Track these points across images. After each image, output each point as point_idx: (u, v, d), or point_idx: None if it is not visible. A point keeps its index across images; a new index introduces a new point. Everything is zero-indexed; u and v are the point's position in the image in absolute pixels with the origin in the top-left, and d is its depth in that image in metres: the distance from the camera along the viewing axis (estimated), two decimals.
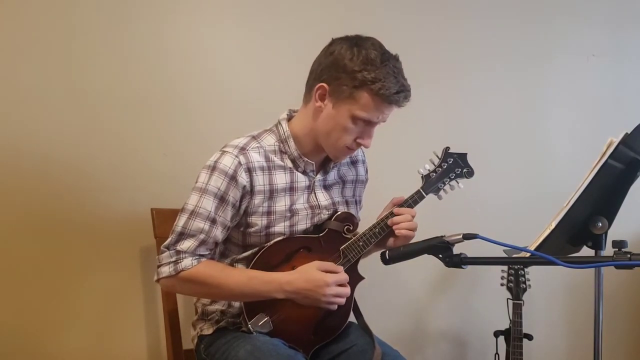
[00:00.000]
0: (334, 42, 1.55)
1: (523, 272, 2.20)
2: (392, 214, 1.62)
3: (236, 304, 1.60)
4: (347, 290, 1.54)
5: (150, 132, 2.00)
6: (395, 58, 1.52)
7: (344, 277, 1.54)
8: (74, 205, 1.92)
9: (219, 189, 1.52)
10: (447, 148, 1.68)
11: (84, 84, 1.93)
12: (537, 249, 1.35)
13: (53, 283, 1.91)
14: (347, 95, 1.49)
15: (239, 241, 1.62)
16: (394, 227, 1.60)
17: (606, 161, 1.36)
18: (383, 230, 1.62)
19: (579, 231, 1.45)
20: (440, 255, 1.31)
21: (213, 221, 1.53)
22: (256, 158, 1.55)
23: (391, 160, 2.24)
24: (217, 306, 1.63)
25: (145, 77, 2.00)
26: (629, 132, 1.37)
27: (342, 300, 1.54)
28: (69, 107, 1.92)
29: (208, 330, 1.63)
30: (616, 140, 1.37)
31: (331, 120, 1.53)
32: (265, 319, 1.56)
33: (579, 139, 2.58)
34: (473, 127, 2.46)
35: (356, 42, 1.51)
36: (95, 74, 1.94)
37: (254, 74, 2.14)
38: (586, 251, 1.50)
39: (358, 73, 1.47)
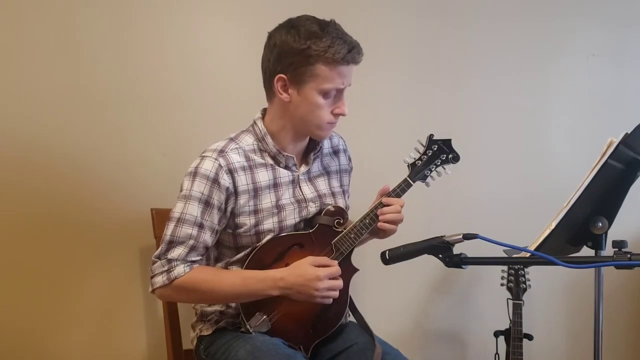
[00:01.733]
0: (271, 35, 1.56)
1: (523, 272, 2.20)
2: (381, 204, 1.62)
3: (234, 304, 1.60)
4: (339, 283, 1.54)
5: (150, 132, 2.00)
6: (332, 22, 1.53)
7: (335, 269, 1.54)
8: (73, 205, 1.93)
9: (202, 194, 1.52)
10: (431, 135, 1.68)
11: (84, 83, 1.93)
12: (537, 249, 1.36)
13: (53, 283, 1.92)
14: (307, 75, 1.50)
15: (231, 243, 1.62)
16: (379, 218, 1.61)
17: (606, 161, 1.36)
18: (373, 220, 1.61)
19: (579, 231, 1.46)
20: (440, 255, 1.31)
21: (200, 226, 1.53)
22: (236, 159, 1.56)
23: (387, 154, 2.24)
24: (216, 307, 1.63)
25: (145, 77, 2.00)
26: (629, 132, 1.37)
27: (336, 294, 1.54)
28: (68, 107, 1.92)
29: (207, 331, 1.63)
30: (616, 140, 1.37)
31: (302, 104, 1.54)
32: (263, 318, 1.56)
33: (579, 139, 2.58)
34: (473, 127, 2.45)
35: (291, 25, 1.52)
36: (95, 74, 1.94)
37: (253, 74, 2.12)
38: (586, 251, 1.50)
39: (307, 50, 1.48)
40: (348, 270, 1.62)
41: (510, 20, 2.49)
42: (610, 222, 1.43)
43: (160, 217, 1.86)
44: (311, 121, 1.56)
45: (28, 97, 1.88)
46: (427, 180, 1.68)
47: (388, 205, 1.61)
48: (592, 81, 2.62)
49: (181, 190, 1.55)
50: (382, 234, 1.65)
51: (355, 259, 1.66)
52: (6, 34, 1.86)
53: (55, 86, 1.90)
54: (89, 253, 1.94)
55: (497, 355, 2.25)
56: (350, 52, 1.50)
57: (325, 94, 1.52)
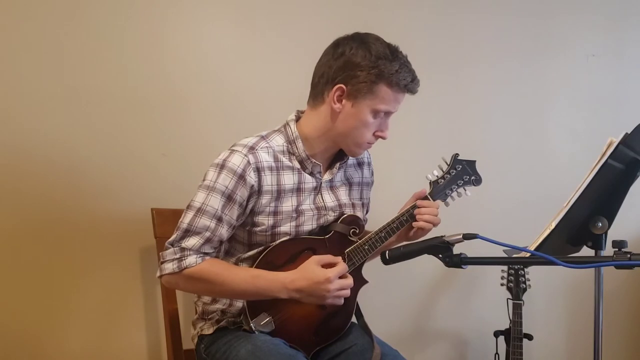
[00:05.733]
0: (339, 43, 1.56)
1: (523, 272, 2.20)
2: (408, 212, 1.62)
3: (238, 303, 1.59)
4: (349, 281, 1.53)
5: (150, 132, 2.00)
6: (399, 49, 1.56)
7: (343, 267, 1.53)
8: (74, 205, 1.93)
9: (227, 188, 1.52)
10: (456, 155, 1.68)
11: (83, 84, 1.93)
12: (537, 249, 1.36)
13: (53, 283, 1.92)
14: (366, 92, 1.52)
15: (244, 240, 1.61)
16: (416, 216, 1.61)
17: (606, 161, 1.36)
18: (389, 234, 1.62)
19: (579, 231, 1.46)
20: (440, 255, 1.31)
21: (219, 219, 1.53)
22: (265, 158, 1.55)
23: (394, 162, 2.24)
24: (218, 305, 1.63)
25: (145, 77, 2.00)
26: (629, 132, 1.37)
27: (347, 293, 1.53)
28: (68, 107, 1.92)
29: (208, 330, 1.63)
30: (616, 140, 1.37)
31: (352, 118, 1.55)
32: (268, 318, 1.55)
33: (579, 139, 2.58)
34: (473, 127, 2.45)
35: (362, 40, 1.53)
36: (95, 74, 1.94)
37: (253, 74, 2.14)
38: (586, 251, 1.50)
39: (374, 69, 1.50)
40: (357, 282, 1.62)
41: (510, 20, 2.49)
42: (610, 222, 1.43)
43: (160, 217, 1.86)
44: (353, 137, 1.57)
45: (27, 98, 1.88)
46: (447, 200, 1.68)
47: (422, 207, 1.61)
48: (592, 81, 2.62)
49: (204, 180, 1.54)
50: (419, 232, 1.64)
51: None
52: (5, 34, 1.85)
53: (54, 86, 1.90)
54: (89, 253, 1.94)
55: (497, 355, 2.25)
56: (413, 81, 1.55)
57: (376, 114, 1.55)
